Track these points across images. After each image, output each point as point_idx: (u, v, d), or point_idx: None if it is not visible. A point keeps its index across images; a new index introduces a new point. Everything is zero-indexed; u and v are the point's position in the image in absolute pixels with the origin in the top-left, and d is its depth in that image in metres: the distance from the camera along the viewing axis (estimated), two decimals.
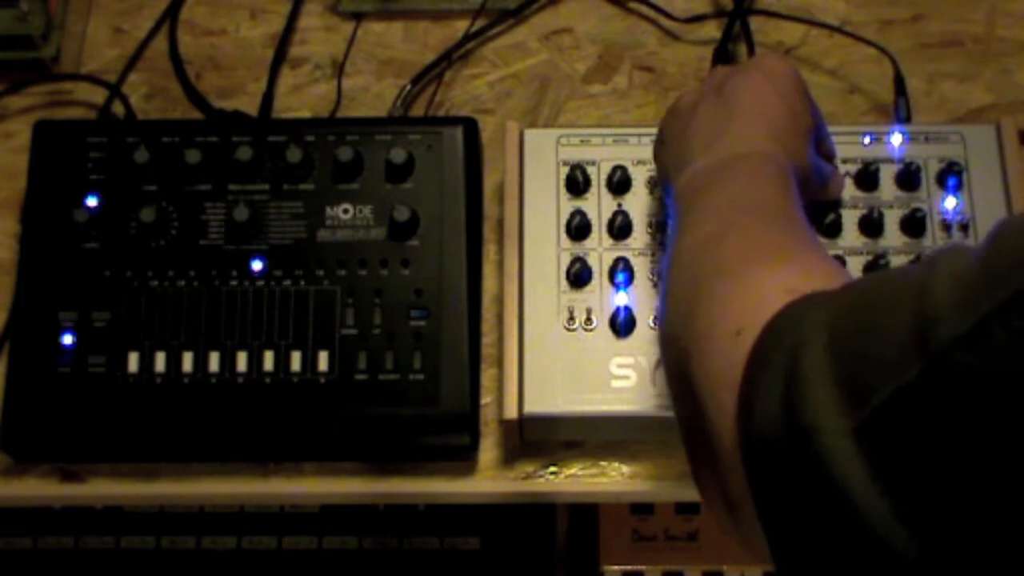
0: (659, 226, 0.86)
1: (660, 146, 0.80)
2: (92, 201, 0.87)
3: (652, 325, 0.82)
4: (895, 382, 0.43)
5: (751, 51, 0.96)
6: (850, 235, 0.85)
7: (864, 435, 0.44)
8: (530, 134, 0.89)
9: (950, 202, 0.86)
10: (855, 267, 0.84)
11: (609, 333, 0.83)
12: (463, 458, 0.85)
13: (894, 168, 0.87)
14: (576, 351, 0.82)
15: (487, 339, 0.87)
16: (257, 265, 0.85)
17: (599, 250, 0.85)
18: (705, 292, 0.59)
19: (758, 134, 0.73)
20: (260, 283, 0.85)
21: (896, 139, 0.88)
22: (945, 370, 0.42)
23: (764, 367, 0.50)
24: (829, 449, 0.45)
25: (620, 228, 0.85)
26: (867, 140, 0.88)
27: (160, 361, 0.83)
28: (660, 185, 0.82)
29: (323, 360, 0.83)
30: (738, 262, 0.60)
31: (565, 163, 0.87)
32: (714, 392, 0.54)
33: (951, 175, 0.86)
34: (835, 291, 0.52)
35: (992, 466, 0.40)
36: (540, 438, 0.84)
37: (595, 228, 0.86)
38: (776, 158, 0.71)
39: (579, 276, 0.84)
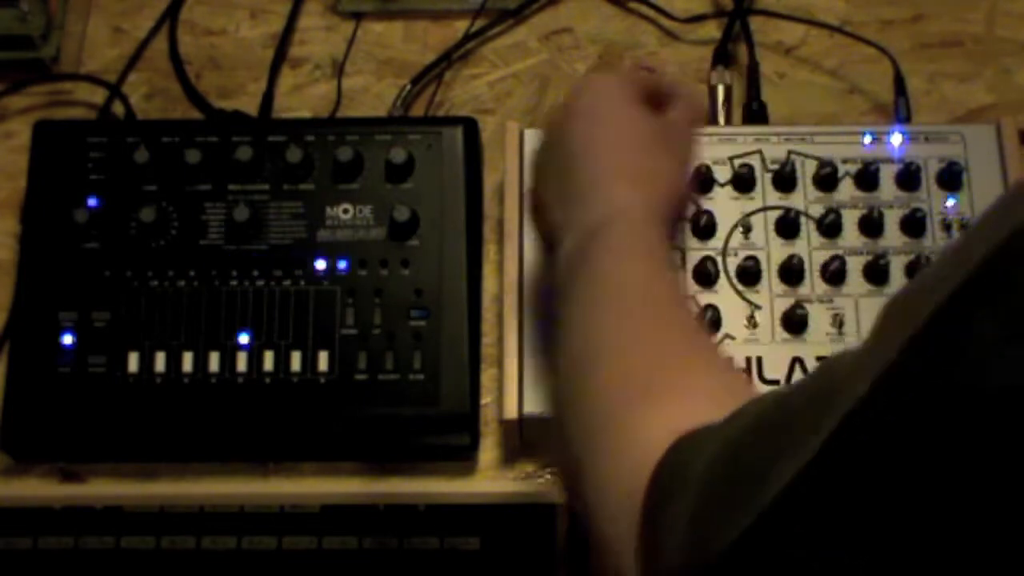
0: None
1: (539, 190, 0.78)
2: (92, 201, 0.87)
3: None
4: (791, 470, 0.45)
5: (751, 51, 0.96)
6: (850, 235, 0.85)
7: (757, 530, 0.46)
8: (530, 134, 0.89)
9: (950, 202, 0.86)
10: (855, 267, 0.84)
11: None
12: (463, 458, 0.85)
13: (894, 168, 0.87)
14: None
15: (487, 339, 0.87)
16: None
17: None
18: (591, 443, 0.59)
19: (611, 192, 0.70)
20: (260, 283, 0.85)
21: (896, 139, 0.88)
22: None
23: (660, 512, 0.52)
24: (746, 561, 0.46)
25: None
26: (867, 140, 0.88)
27: (160, 361, 0.83)
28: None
29: (323, 360, 0.83)
30: (618, 404, 0.59)
31: None
32: (619, 553, 0.54)
33: (951, 175, 0.86)
34: (720, 424, 0.53)
35: None
36: (540, 438, 0.84)
37: None
38: (636, 220, 0.69)
39: None
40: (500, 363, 0.84)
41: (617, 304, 0.65)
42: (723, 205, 0.86)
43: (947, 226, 0.86)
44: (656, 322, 0.65)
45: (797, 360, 0.82)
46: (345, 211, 0.86)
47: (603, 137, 0.73)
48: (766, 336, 0.83)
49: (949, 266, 0.41)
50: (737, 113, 0.95)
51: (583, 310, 0.65)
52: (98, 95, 0.96)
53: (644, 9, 1.00)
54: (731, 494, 0.48)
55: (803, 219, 0.86)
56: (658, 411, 0.57)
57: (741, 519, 0.46)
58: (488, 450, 0.85)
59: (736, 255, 0.85)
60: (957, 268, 0.40)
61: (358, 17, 1.00)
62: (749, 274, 0.84)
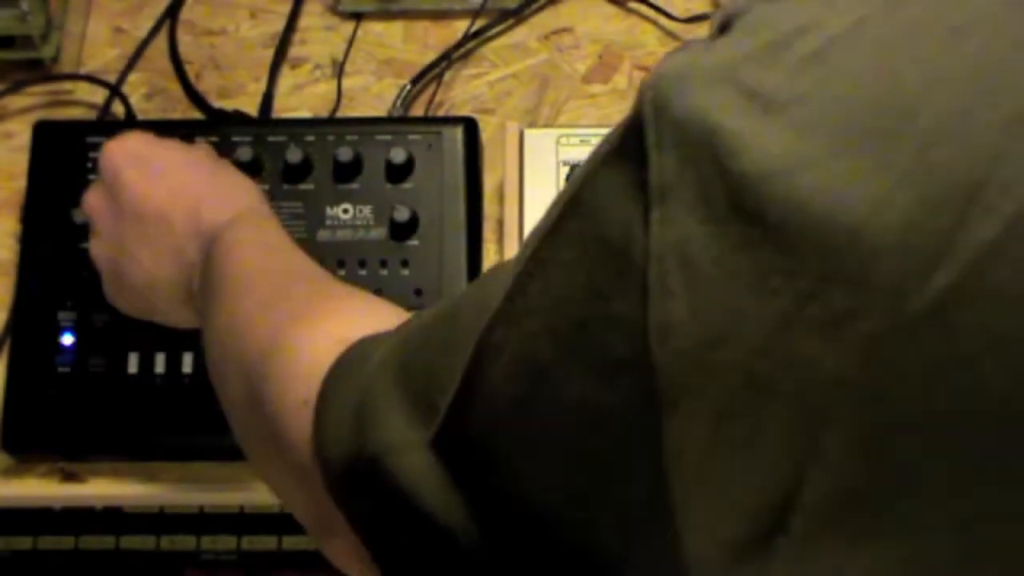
0: None
1: (131, 301, 0.77)
2: None
3: None
4: (452, 389, 0.45)
5: None
6: None
7: (438, 444, 0.46)
8: (530, 134, 0.89)
9: None
10: None
11: None
12: None
13: None
14: None
15: None
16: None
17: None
18: (260, 375, 0.58)
19: (209, 219, 0.70)
20: None
21: None
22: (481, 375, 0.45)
23: (329, 405, 0.52)
24: (402, 466, 0.47)
25: None
26: None
27: (160, 361, 0.83)
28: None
29: None
30: (276, 333, 0.59)
31: (565, 163, 0.87)
32: (298, 463, 0.54)
33: None
34: (392, 331, 0.53)
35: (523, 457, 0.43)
36: None
37: None
38: (240, 223, 0.70)
39: None
40: None
41: (250, 279, 0.65)
42: None
43: None
44: (293, 280, 0.65)
45: None
46: (345, 211, 0.86)
47: (168, 180, 0.73)
48: None
49: (568, 183, 0.42)
50: None
51: (220, 300, 0.65)
52: (98, 95, 0.96)
53: (644, 9, 1.00)
54: (399, 398, 0.48)
55: None
56: (319, 327, 0.57)
57: (407, 427, 0.47)
58: None
59: None
60: (570, 184, 0.41)
61: (358, 17, 1.00)
62: None
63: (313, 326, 0.58)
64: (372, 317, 0.56)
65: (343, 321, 0.57)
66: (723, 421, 0.36)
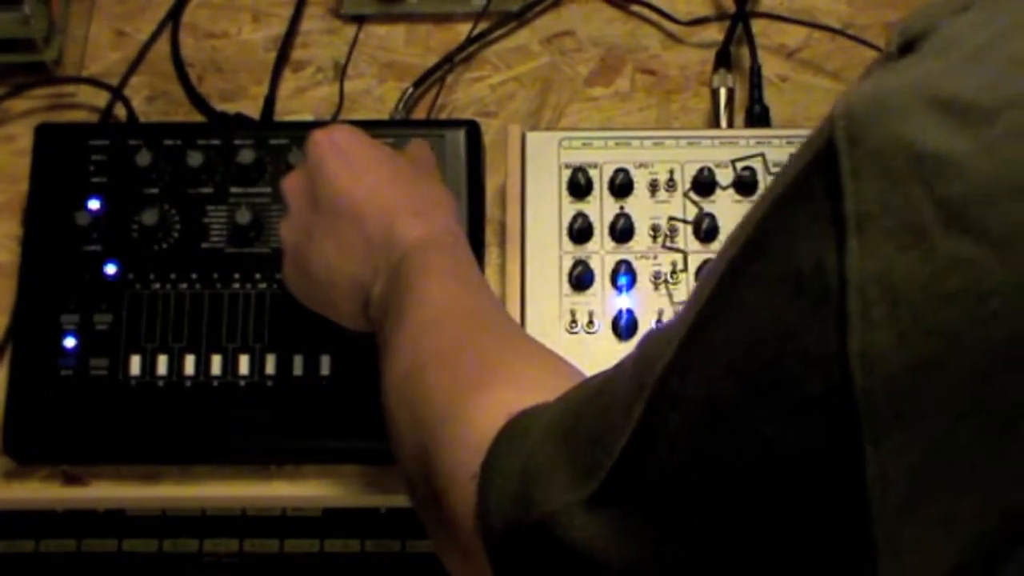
0: (661, 229, 0.86)
1: (306, 288, 0.76)
2: (94, 204, 0.87)
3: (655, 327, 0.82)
4: (620, 445, 0.45)
5: (753, 54, 0.96)
6: None
7: (597, 500, 0.46)
8: (532, 137, 0.89)
9: None
10: None
11: (611, 336, 0.83)
12: None
13: None
14: (578, 354, 0.82)
15: None
16: (260, 268, 0.85)
17: (601, 253, 0.85)
18: (433, 441, 0.59)
19: (404, 227, 0.70)
20: (262, 286, 0.85)
21: None
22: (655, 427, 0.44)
23: (492, 476, 0.52)
24: (571, 525, 0.47)
25: (622, 231, 0.85)
26: None
27: (162, 364, 0.83)
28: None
29: (325, 363, 0.83)
30: (450, 402, 0.59)
31: (567, 166, 0.87)
32: (466, 531, 0.54)
33: None
34: (556, 400, 0.53)
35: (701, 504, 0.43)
36: None
37: (597, 231, 0.86)
38: (436, 243, 0.69)
39: (581, 279, 0.84)
40: None
41: (436, 318, 0.65)
42: (725, 208, 0.86)
43: None
44: (476, 328, 0.65)
45: None
46: None
47: (369, 180, 0.72)
48: None
49: (739, 228, 0.41)
50: (739, 116, 0.94)
51: (403, 331, 0.65)
52: (100, 98, 0.96)
53: (646, 12, 1.00)
54: (562, 462, 0.48)
55: None
56: (491, 397, 0.57)
57: (569, 489, 0.47)
58: None
59: None
60: (743, 228, 0.41)
61: (360, 20, 1.00)
62: None
63: (489, 393, 0.58)
64: (548, 380, 0.56)
65: (519, 389, 0.57)
66: (940, 448, 0.35)
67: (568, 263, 0.85)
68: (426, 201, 0.73)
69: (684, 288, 0.84)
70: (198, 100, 0.97)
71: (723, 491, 0.41)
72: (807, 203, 0.37)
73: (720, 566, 0.42)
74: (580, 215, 0.86)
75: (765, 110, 0.94)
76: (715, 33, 0.99)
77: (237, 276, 0.85)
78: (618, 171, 0.87)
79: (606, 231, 0.86)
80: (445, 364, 0.62)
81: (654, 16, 1.00)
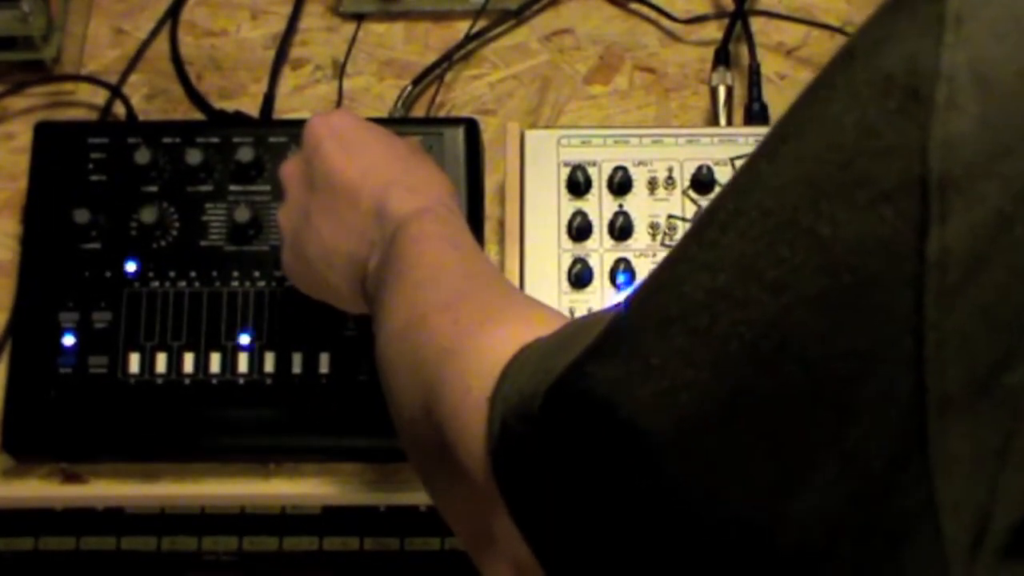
0: (660, 227, 0.86)
1: (304, 273, 0.76)
2: (93, 202, 0.87)
3: None
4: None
5: (752, 52, 0.96)
6: None
7: (605, 349, 0.45)
8: (531, 135, 0.89)
9: None
10: None
11: None
12: None
13: None
14: None
15: None
16: (258, 270, 0.85)
17: (600, 251, 0.85)
18: (439, 377, 0.57)
19: (399, 201, 0.70)
20: (261, 284, 0.85)
21: None
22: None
23: (508, 392, 0.51)
24: (595, 375, 0.45)
25: (621, 229, 0.85)
26: None
27: (161, 362, 0.83)
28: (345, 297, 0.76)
29: (324, 361, 0.83)
30: (456, 339, 0.58)
31: (566, 164, 0.87)
32: (466, 466, 0.53)
33: None
34: (553, 332, 0.53)
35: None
36: None
37: (596, 229, 0.86)
38: (432, 214, 0.69)
39: (580, 277, 0.84)
40: None
41: (433, 276, 0.65)
42: None
43: None
44: (476, 284, 0.65)
45: None
46: None
47: (363, 157, 0.72)
48: None
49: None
50: (738, 114, 0.94)
51: (399, 291, 0.65)
52: (99, 96, 0.96)
53: (645, 10, 1.00)
54: (580, 345, 0.47)
55: None
56: (501, 330, 0.56)
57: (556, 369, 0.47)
58: None
59: None
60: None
61: (359, 18, 1.00)
62: None
63: (499, 327, 0.57)
64: (558, 321, 0.56)
65: (530, 324, 0.55)
66: (998, 232, 0.35)
67: (567, 261, 0.85)
68: (422, 179, 0.73)
69: None
70: (197, 98, 0.97)
71: (765, 300, 0.39)
72: (906, 10, 0.37)
73: (759, 371, 0.40)
74: (579, 213, 0.86)
75: (764, 108, 0.94)
76: (714, 31, 0.99)
77: (236, 274, 0.85)
78: (617, 169, 0.87)
79: (605, 229, 0.86)
80: (448, 310, 0.61)
81: (653, 14, 1.00)
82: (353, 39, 0.99)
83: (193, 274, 0.85)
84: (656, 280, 0.44)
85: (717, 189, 0.87)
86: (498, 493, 0.50)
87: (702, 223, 0.42)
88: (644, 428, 0.41)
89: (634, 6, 1.00)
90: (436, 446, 0.56)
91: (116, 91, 0.96)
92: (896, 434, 0.36)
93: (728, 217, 0.41)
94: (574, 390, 0.45)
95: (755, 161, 0.41)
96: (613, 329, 0.45)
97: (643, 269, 0.84)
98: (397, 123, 0.92)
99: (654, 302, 0.43)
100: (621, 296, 0.83)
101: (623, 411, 0.42)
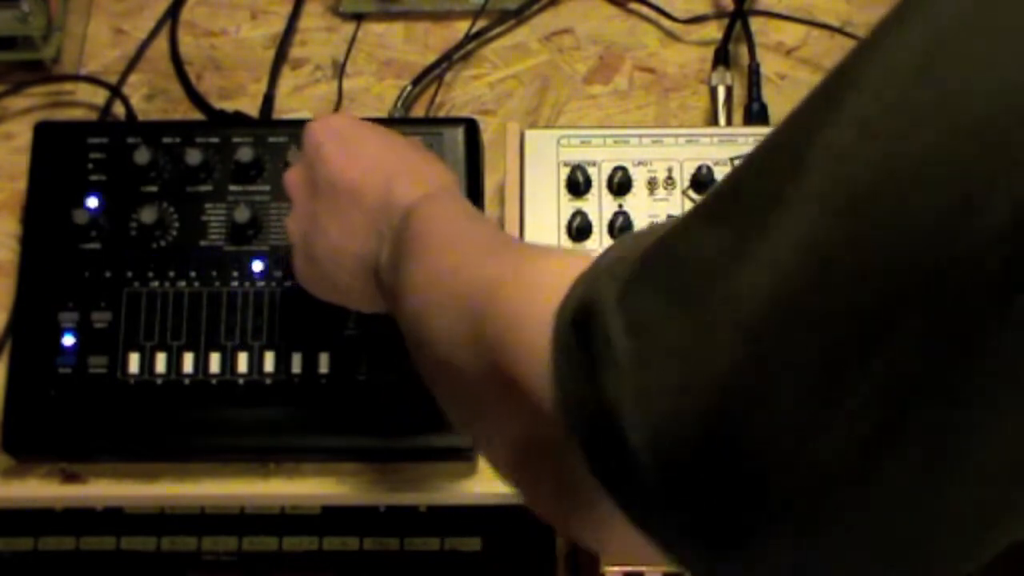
0: None
1: (316, 277, 0.76)
2: (93, 202, 0.87)
3: None
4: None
5: (752, 52, 0.96)
6: None
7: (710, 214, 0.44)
8: (531, 135, 0.89)
9: None
10: None
11: None
12: (464, 459, 0.84)
13: None
14: None
15: None
16: (258, 266, 0.85)
17: (600, 250, 0.85)
18: (488, 301, 0.54)
19: (404, 191, 0.69)
20: (261, 284, 0.85)
21: None
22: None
23: (570, 300, 0.48)
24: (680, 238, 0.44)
25: (621, 229, 0.85)
26: None
27: (161, 362, 0.83)
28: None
29: (324, 361, 0.83)
30: (509, 270, 0.55)
31: (566, 164, 0.87)
32: (523, 383, 0.49)
33: None
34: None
35: None
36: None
37: (596, 229, 0.86)
38: (439, 198, 0.68)
39: None
40: None
41: (456, 242, 0.63)
42: None
43: None
44: (504, 239, 0.64)
45: None
46: None
47: (364, 156, 0.72)
48: None
49: None
50: (738, 114, 0.95)
51: (424, 260, 0.63)
52: (99, 96, 0.96)
53: (645, 10, 1.00)
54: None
55: None
56: (555, 259, 0.54)
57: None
58: None
59: None
60: None
61: (359, 18, 1.00)
62: None
63: (553, 256, 0.54)
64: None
65: (584, 259, 0.52)
66: None
67: None
68: (424, 169, 0.73)
69: None
70: (197, 98, 0.97)
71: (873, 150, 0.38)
72: None
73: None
74: (579, 213, 0.86)
75: (764, 108, 0.94)
76: (714, 31, 0.99)
77: (235, 274, 0.85)
78: (617, 169, 0.87)
79: (605, 229, 0.86)
80: (488, 254, 0.58)
81: (653, 14, 1.00)
82: (353, 39, 0.99)
83: (192, 274, 0.85)
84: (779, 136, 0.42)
85: None
86: (557, 401, 0.46)
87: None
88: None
89: (634, 6, 1.00)
90: (482, 371, 0.53)
91: (116, 91, 0.96)
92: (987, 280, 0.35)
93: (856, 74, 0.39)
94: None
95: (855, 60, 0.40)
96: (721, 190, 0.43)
97: None
98: (397, 123, 0.92)
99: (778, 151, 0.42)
100: None
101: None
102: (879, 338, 0.37)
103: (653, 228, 0.47)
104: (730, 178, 0.44)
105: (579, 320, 0.46)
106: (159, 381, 0.83)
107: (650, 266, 0.45)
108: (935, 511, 0.40)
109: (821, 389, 0.38)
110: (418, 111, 0.96)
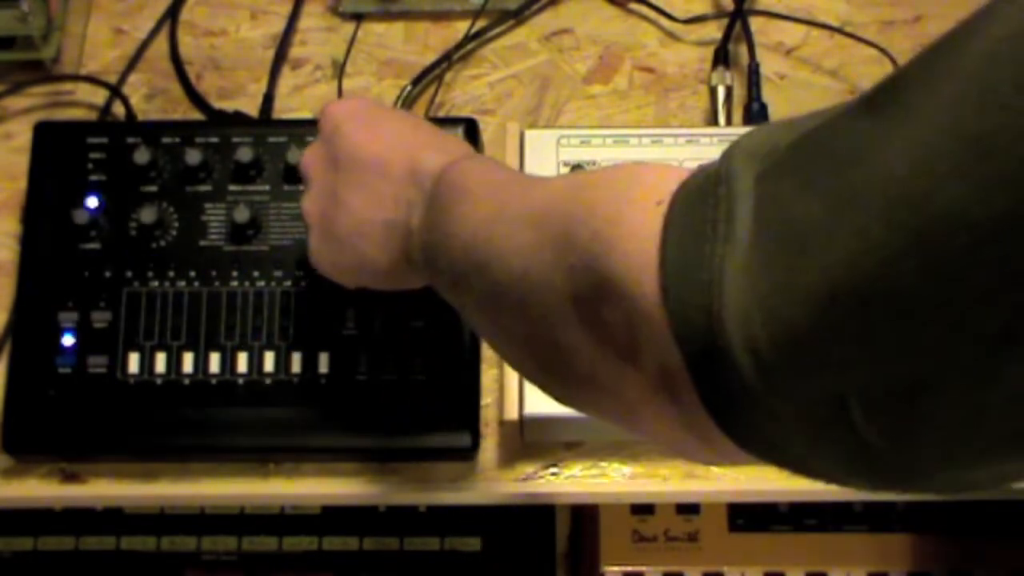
0: None
1: (336, 255, 0.73)
2: (92, 202, 0.87)
3: None
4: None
5: (752, 52, 0.96)
6: None
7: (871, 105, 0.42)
8: (531, 134, 0.89)
9: None
10: None
11: None
12: (464, 459, 0.85)
13: None
14: None
15: None
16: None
17: None
18: (576, 203, 0.51)
19: (431, 159, 0.67)
20: (260, 284, 0.85)
21: None
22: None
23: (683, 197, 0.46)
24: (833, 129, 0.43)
25: None
26: None
27: (161, 362, 0.83)
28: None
29: (323, 361, 0.83)
30: (590, 176, 0.52)
31: (566, 163, 0.87)
32: (639, 283, 0.46)
33: None
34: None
35: None
36: (540, 439, 0.84)
37: None
38: (453, 161, 0.67)
39: None
40: (500, 363, 0.84)
41: (506, 181, 0.61)
42: None
43: None
44: (557, 176, 0.61)
45: None
46: None
47: (386, 130, 0.72)
48: None
49: None
50: (738, 114, 0.95)
51: (470, 210, 0.60)
52: (98, 96, 0.96)
53: (644, 10, 1.00)
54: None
55: None
56: (646, 164, 0.51)
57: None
58: (488, 451, 0.85)
59: None
60: None
61: (359, 18, 1.00)
62: None
63: (641, 163, 0.52)
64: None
65: (672, 167, 0.50)
66: None
67: None
68: (448, 143, 0.72)
69: None
70: (196, 98, 0.97)
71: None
72: None
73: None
74: None
75: (763, 108, 0.94)
76: (713, 31, 0.99)
77: (235, 274, 0.85)
78: None
79: None
80: (551, 178, 0.57)
81: (652, 14, 1.00)
82: (352, 39, 0.99)
83: (192, 274, 0.85)
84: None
85: None
86: (659, 278, 0.44)
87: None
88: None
89: (633, 6, 1.00)
90: (568, 277, 0.50)
91: (116, 91, 0.96)
92: None
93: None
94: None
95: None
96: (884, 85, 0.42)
97: None
98: None
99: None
100: None
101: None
102: (1019, 231, 0.36)
103: (812, 115, 0.45)
104: (890, 74, 0.43)
105: (708, 189, 0.44)
106: (159, 381, 0.83)
107: (797, 156, 0.43)
108: None
109: (949, 278, 0.37)
110: (418, 111, 0.96)
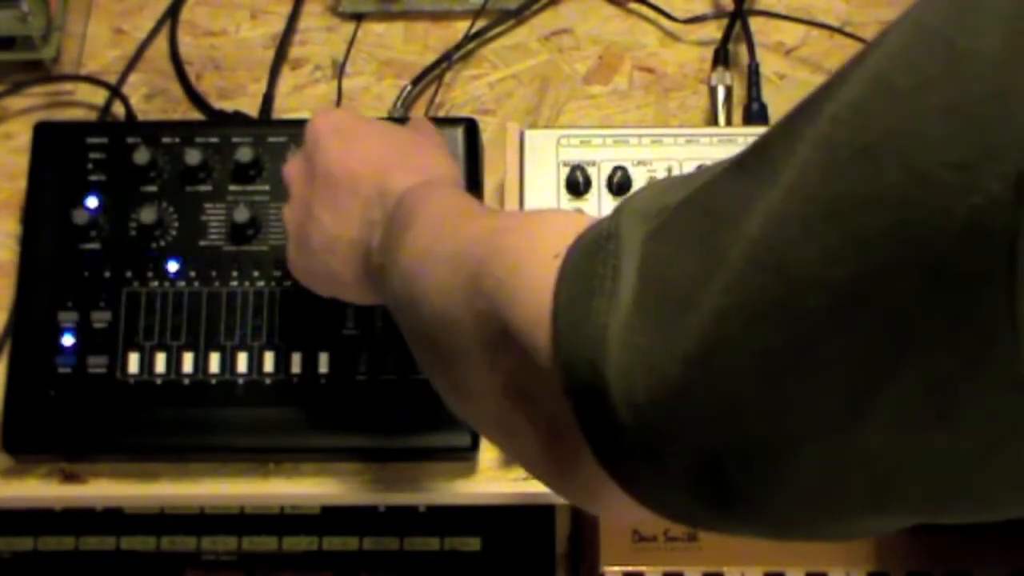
0: None
1: (309, 266, 0.75)
2: (92, 202, 0.87)
3: None
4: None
5: (751, 52, 0.96)
6: None
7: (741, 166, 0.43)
8: (530, 134, 0.88)
9: None
10: None
11: None
12: (463, 459, 0.85)
13: None
14: None
15: None
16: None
17: None
18: (490, 249, 0.53)
19: (398, 180, 0.69)
20: (260, 284, 0.85)
21: None
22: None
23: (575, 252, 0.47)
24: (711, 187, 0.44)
25: None
26: None
27: (160, 362, 0.83)
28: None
29: (323, 361, 0.83)
30: (509, 218, 0.54)
31: (565, 164, 0.87)
32: (535, 325, 0.47)
33: None
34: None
35: None
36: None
37: None
38: (432, 186, 0.68)
39: None
40: None
41: (448, 213, 0.62)
42: None
43: None
44: (497, 209, 0.62)
45: None
46: None
47: (362, 147, 0.73)
48: None
49: None
50: (737, 114, 0.95)
51: (414, 228, 0.62)
52: (98, 96, 0.96)
53: (644, 10, 1.00)
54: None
55: None
56: (559, 213, 0.54)
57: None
58: (488, 450, 0.85)
59: None
60: None
61: (358, 18, 1.00)
62: None
63: (556, 214, 0.54)
64: None
65: (585, 219, 0.51)
66: None
67: None
68: (424, 162, 0.73)
69: None
70: (196, 98, 0.97)
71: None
72: None
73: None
74: (578, 213, 0.86)
75: (763, 108, 0.94)
76: (713, 31, 0.99)
77: (235, 274, 0.85)
78: (616, 169, 0.87)
79: None
80: (488, 213, 0.58)
81: (652, 14, 1.00)
82: (352, 39, 0.99)
83: (192, 274, 0.85)
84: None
85: None
86: (551, 330, 0.46)
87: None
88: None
89: (633, 6, 1.00)
90: (477, 319, 0.52)
91: (115, 91, 0.96)
92: (987, 245, 0.34)
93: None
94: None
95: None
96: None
97: None
98: (396, 123, 0.92)
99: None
100: None
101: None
102: (868, 294, 0.36)
103: (703, 171, 0.47)
104: (763, 134, 0.43)
105: (600, 244, 0.46)
106: (159, 381, 0.83)
107: (681, 215, 0.44)
108: (914, 457, 0.39)
109: (805, 340, 0.38)
110: (418, 111, 0.96)
